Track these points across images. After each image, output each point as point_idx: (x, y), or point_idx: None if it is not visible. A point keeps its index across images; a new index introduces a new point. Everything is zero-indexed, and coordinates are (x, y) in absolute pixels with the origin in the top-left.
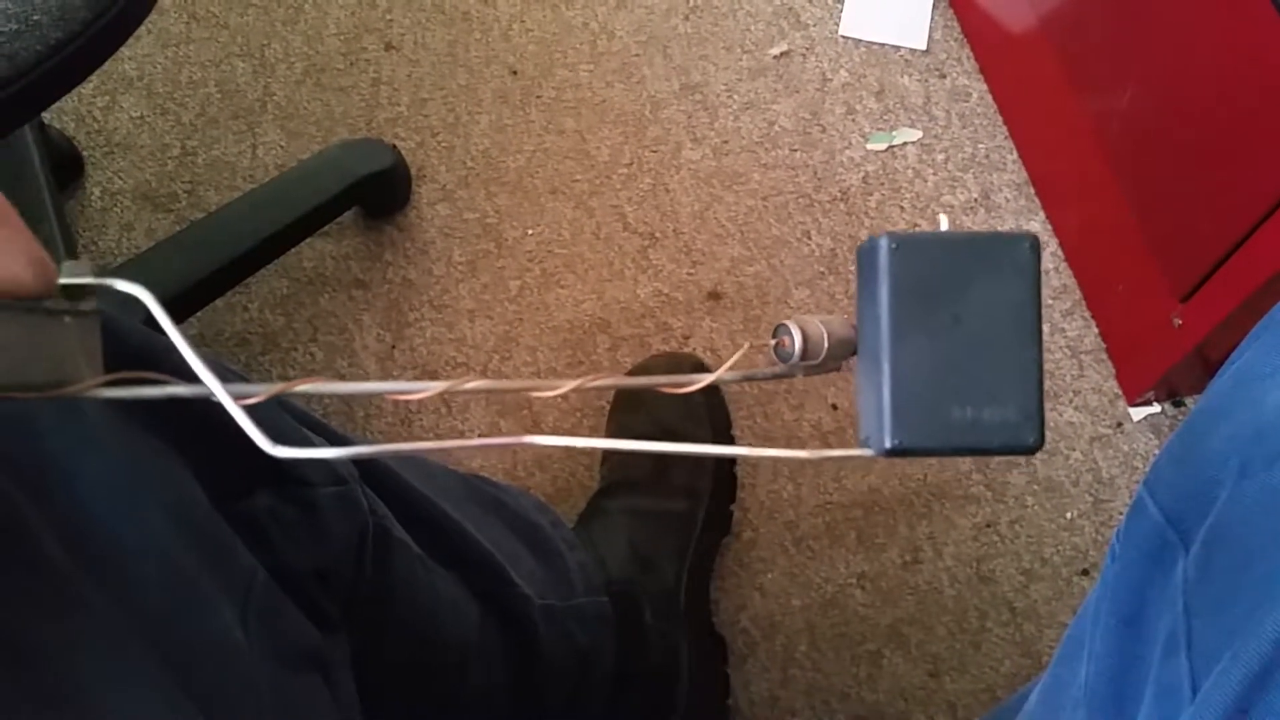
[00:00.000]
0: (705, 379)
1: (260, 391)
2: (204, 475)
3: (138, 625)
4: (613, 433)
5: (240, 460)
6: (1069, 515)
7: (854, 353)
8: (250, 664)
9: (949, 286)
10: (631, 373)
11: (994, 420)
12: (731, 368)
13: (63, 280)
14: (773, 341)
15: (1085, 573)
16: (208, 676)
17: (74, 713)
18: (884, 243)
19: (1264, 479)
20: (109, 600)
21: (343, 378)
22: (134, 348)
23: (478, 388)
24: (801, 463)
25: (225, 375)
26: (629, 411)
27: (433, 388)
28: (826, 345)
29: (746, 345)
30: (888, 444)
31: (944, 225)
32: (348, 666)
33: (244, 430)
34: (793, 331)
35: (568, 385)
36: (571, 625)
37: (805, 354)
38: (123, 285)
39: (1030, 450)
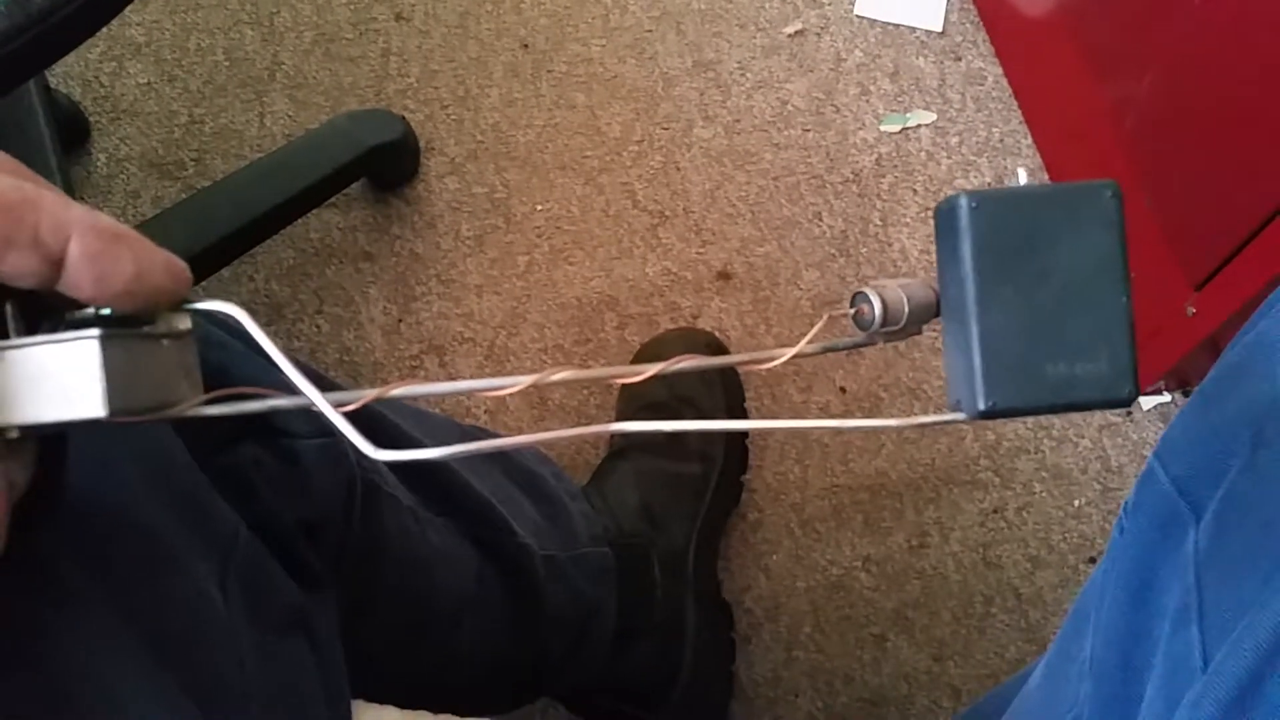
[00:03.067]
0: (787, 353)
1: (357, 398)
2: (183, 427)
3: (109, 593)
4: (625, 401)
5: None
6: (1077, 503)
7: (935, 315)
8: (229, 628)
9: (1032, 241)
10: (646, 347)
11: (1087, 375)
12: (812, 339)
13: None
14: (851, 310)
15: (1092, 560)
16: (184, 644)
17: (39, 686)
18: (963, 201)
19: (1278, 449)
20: (78, 567)
21: (349, 350)
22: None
23: (564, 378)
24: (894, 432)
25: (322, 382)
26: (644, 382)
27: (521, 382)
28: (907, 310)
29: (825, 316)
30: (981, 406)
31: (1023, 179)
32: (334, 626)
33: (347, 436)
34: (872, 299)
35: (650, 370)
36: (574, 575)
37: (885, 321)
38: (215, 306)
39: (1125, 403)
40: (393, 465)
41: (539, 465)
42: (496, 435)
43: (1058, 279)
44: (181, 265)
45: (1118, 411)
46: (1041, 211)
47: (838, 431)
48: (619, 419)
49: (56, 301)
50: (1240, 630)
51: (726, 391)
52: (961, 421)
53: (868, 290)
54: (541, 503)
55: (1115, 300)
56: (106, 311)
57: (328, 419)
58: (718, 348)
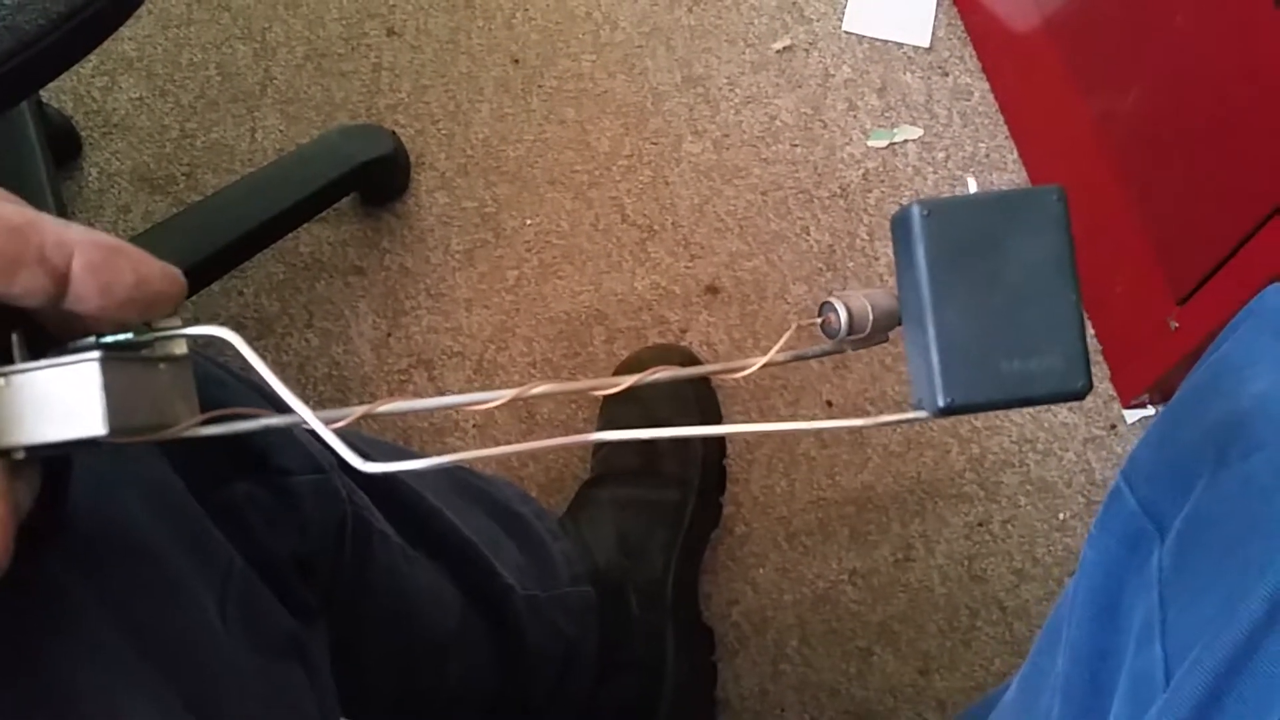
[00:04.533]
0: (758, 362)
1: (348, 416)
2: (181, 463)
3: (114, 613)
4: (604, 423)
5: (217, 448)
6: (1061, 516)
7: (898, 322)
8: (229, 651)
9: (983, 245)
10: (624, 364)
11: (1041, 369)
12: (782, 348)
13: (154, 332)
14: (819, 320)
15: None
16: (187, 664)
17: (45, 700)
18: (916, 210)
19: (1241, 469)
20: (84, 588)
21: (338, 365)
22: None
23: (544, 391)
24: (856, 431)
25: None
26: (621, 403)
27: (503, 396)
28: (871, 318)
29: (794, 326)
30: (941, 403)
31: (973, 187)
32: (326, 655)
33: (337, 451)
34: (838, 308)
35: (627, 381)
36: (555, 615)
37: (851, 329)
38: (208, 331)
39: (1079, 395)
40: (380, 506)
41: (521, 505)
42: (480, 477)
43: (1010, 280)
44: (176, 272)
45: (1102, 425)
46: (992, 217)
47: (821, 444)
48: (595, 446)
49: (59, 332)
50: (1200, 648)
51: (702, 414)
52: (923, 419)
53: (834, 300)
54: (523, 542)
55: (1065, 298)
56: (106, 338)
57: (318, 435)
58: (693, 364)
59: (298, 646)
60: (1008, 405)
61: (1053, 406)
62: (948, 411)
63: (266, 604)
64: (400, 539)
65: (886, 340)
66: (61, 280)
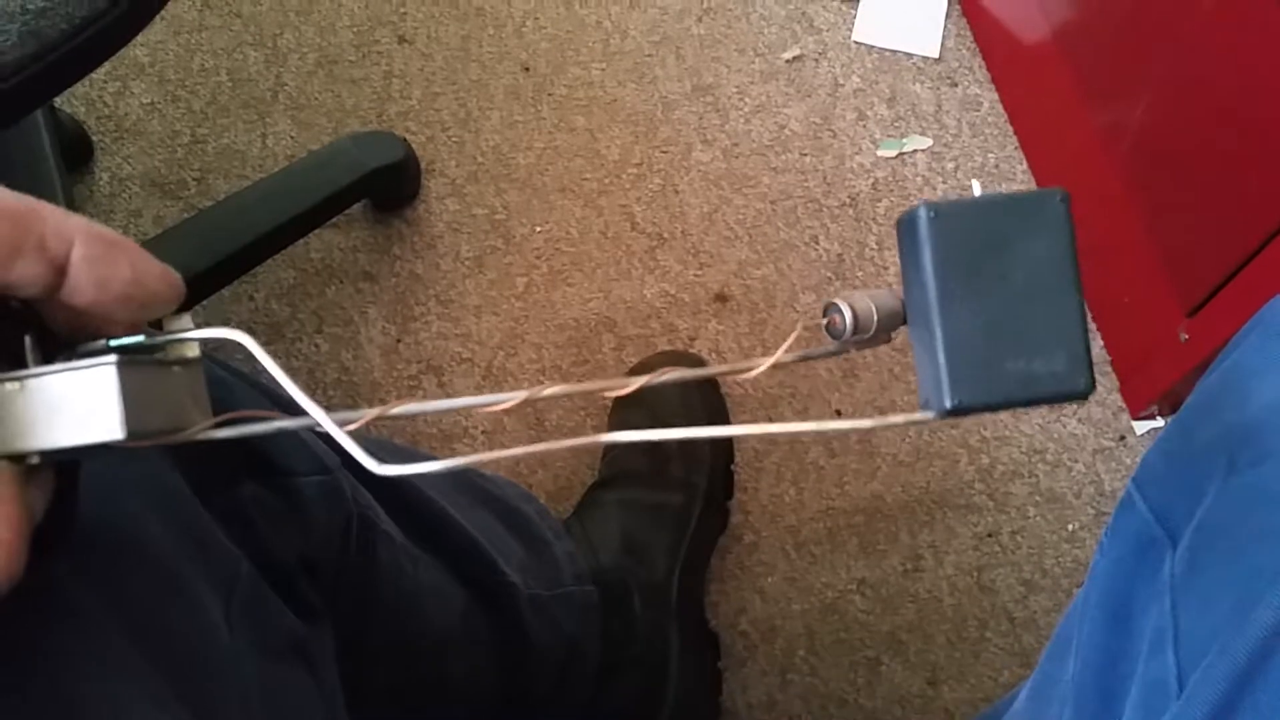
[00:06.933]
0: (765, 362)
1: (360, 417)
2: (185, 465)
3: (120, 619)
4: (613, 427)
5: (223, 451)
6: (1070, 527)
7: (902, 322)
8: (235, 656)
9: (988, 247)
10: (633, 370)
11: (1045, 371)
12: (789, 349)
13: (166, 334)
14: (824, 320)
15: None
16: (193, 670)
17: (52, 706)
18: (923, 212)
19: (1251, 476)
20: (91, 594)
21: (348, 370)
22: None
23: (556, 392)
24: (865, 432)
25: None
26: (629, 407)
27: (516, 397)
28: (876, 318)
29: (800, 327)
30: (948, 404)
31: (977, 190)
32: (332, 657)
33: (352, 454)
34: (843, 309)
35: (638, 382)
36: (558, 613)
37: (856, 329)
38: (222, 334)
39: (1083, 395)
40: (384, 505)
41: (524, 503)
42: (483, 476)
43: (1014, 281)
44: (174, 275)
45: (1111, 437)
46: (997, 219)
47: (830, 453)
48: (604, 449)
49: (69, 334)
50: (1213, 655)
51: (710, 420)
52: (930, 420)
53: (838, 301)
54: (526, 541)
55: (1069, 299)
56: (118, 341)
57: (333, 437)
58: None
59: (304, 651)
60: (1013, 406)
61: (1063, 417)
62: (955, 412)
63: (273, 608)
64: (404, 538)
65: (890, 340)
66: (60, 270)
